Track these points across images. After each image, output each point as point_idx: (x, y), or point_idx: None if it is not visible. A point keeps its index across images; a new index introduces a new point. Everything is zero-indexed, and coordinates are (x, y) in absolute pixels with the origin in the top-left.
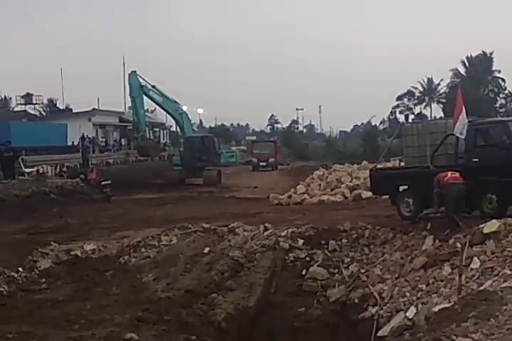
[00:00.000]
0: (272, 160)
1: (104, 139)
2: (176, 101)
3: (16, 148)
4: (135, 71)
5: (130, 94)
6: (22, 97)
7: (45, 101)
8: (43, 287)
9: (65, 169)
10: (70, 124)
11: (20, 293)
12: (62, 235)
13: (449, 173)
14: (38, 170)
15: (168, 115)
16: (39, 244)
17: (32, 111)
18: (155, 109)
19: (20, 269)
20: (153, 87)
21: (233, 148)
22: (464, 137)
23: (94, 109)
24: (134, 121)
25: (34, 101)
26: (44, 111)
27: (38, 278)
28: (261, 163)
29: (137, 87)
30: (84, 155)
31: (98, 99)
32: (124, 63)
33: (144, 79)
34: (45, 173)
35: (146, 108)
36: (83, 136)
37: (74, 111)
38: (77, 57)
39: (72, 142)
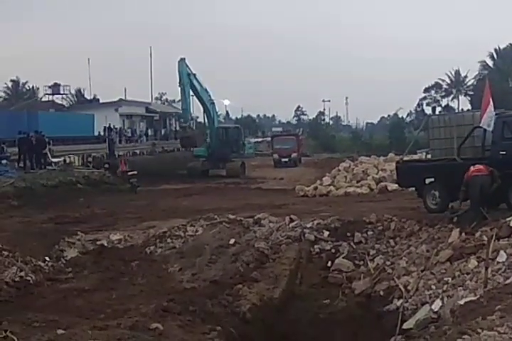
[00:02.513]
0: (294, 155)
1: (129, 129)
2: (207, 91)
3: (41, 138)
4: (184, 58)
5: (179, 82)
6: (49, 87)
7: (73, 92)
8: (69, 276)
9: (90, 159)
10: (97, 115)
11: (46, 282)
12: (89, 225)
13: (472, 167)
14: (65, 160)
15: (200, 105)
16: (66, 234)
17: (59, 102)
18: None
19: (47, 258)
20: (194, 75)
21: (250, 140)
22: (491, 129)
23: (121, 100)
24: (182, 110)
25: (61, 92)
26: (71, 101)
27: (65, 267)
28: (283, 159)
29: (186, 75)
30: (111, 145)
31: (125, 90)
32: (151, 54)
33: (188, 68)
34: (72, 163)
35: (173, 98)
36: (109, 126)
37: (101, 101)
38: (105, 47)
39: (99, 132)
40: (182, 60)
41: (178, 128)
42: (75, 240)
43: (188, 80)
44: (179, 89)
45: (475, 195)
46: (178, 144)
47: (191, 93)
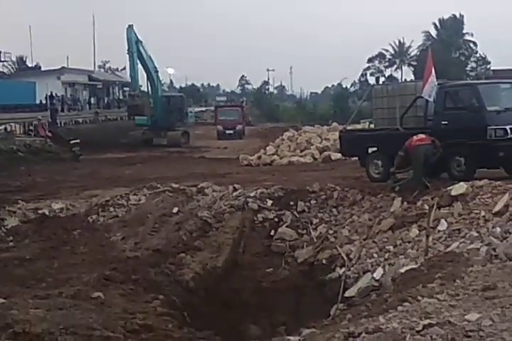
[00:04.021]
0: (239, 127)
1: (71, 97)
2: (152, 59)
3: None
4: (132, 25)
5: (128, 49)
6: None
7: (14, 59)
8: (10, 245)
9: (32, 127)
10: (39, 82)
11: None
12: (30, 193)
13: (414, 137)
14: (5, 128)
15: (145, 73)
16: (6, 203)
17: (0, 69)
18: (124, 67)
19: None
20: (141, 42)
21: (190, 109)
22: (432, 100)
23: (63, 68)
24: (130, 77)
25: (2, 59)
26: (12, 68)
27: (5, 236)
28: (227, 131)
29: (134, 42)
30: (53, 114)
31: (67, 58)
32: (93, 21)
33: (136, 35)
34: (13, 131)
35: (116, 66)
36: (51, 94)
37: (43, 69)
38: (47, 14)
39: (40, 100)
40: (130, 26)
41: (121, 96)
42: (16, 209)
43: (136, 48)
44: (127, 56)
45: (417, 164)
46: (121, 113)
47: (137, 61)
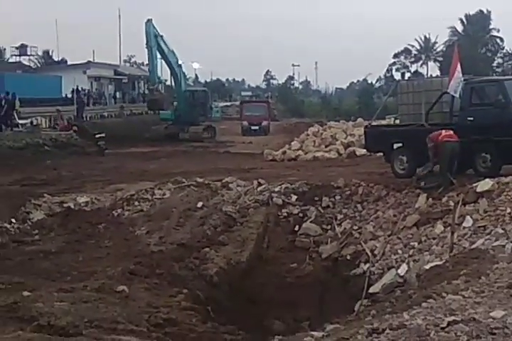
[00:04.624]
0: (265, 123)
1: (96, 91)
2: (175, 53)
3: (10, 100)
4: (151, 19)
5: (147, 44)
6: (16, 48)
7: (40, 53)
8: (35, 238)
9: (58, 122)
10: (65, 76)
11: (12, 244)
12: (56, 187)
13: (443, 131)
14: (31, 122)
15: (168, 68)
16: (32, 196)
17: (26, 63)
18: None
19: (13, 220)
20: (161, 37)
21: (217, 104)
22: (457, 95)
23: (89, 62)
24: (149, 72)
25: (29, 53)
26: (39, 62)
27: (31, 229)
28: (252, 127)
29: (153, 36)
30: (79, 108)
31: (93, 52)
32: (119, 15)
33: (155, 29)
34: (39, 125)
35: (141, 61)
36: (77, 88)
37: (69, 63)
38: (73, 8)
39: (66, 94)
40: (149, 20)
41: (146, 91)
42: (42, 202)
43: (155, 42)
44: (146, 50)
45: (444, 160)
46: (146, 107)
47: (158, 55)
